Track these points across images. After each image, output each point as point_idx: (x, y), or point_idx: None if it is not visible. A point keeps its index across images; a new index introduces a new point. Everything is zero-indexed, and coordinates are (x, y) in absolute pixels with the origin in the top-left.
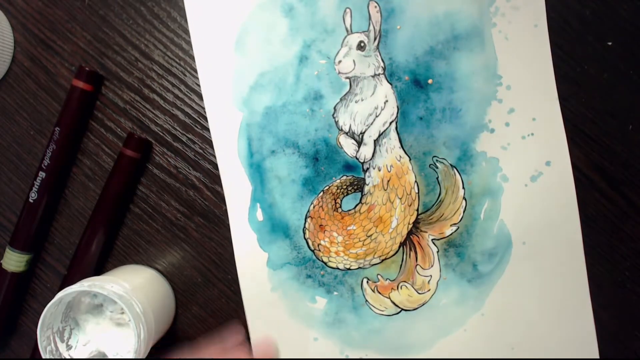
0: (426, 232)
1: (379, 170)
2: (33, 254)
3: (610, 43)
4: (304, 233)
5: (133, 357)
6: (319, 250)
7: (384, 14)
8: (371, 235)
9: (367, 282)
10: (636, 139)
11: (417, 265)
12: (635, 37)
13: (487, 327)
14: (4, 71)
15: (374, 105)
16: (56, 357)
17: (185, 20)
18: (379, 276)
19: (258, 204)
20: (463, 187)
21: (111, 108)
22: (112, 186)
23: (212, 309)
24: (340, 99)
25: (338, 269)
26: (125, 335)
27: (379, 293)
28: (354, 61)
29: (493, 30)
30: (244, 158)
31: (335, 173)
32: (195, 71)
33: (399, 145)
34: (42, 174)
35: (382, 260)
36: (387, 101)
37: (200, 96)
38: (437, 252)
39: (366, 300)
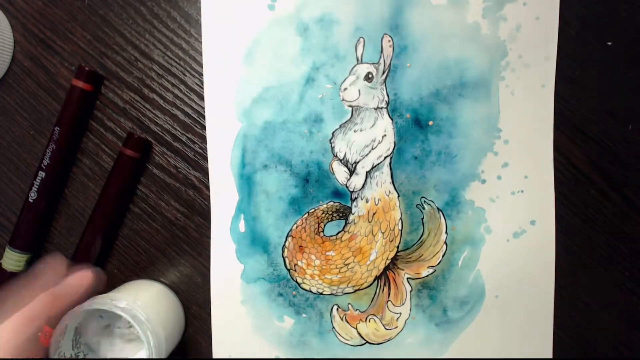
0: (403, 270)
1: (367, 201)
2: (33, 254)
3: (610, 43)
4: (283, 251)
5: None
6: (295, 271)
7: (396, 49)
8: (348, 264)
9: (337, 309)
10: (636, 139)
11: (388, 300)
12: (635, 37)
13: None
14: (3, 71)
15: (372, 138)
16: None
17: (186, 20)
18: (350, 305)
19: (242, 215)
20: (446, 232)
21: (111, 108)
22: (112, 186)
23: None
24: (340, 126)
25: (311, 291)
26: (139, 349)
27: (347, 322)
28: (359, 91)
29: (500, 84)
30: (235, 168)
31: (323, 197)
32: (195, 71)
33: (390, 180)
34: (42, 174)
35: (355, 291)
36: (385, 135)
37: (200, 96)
38: (411, 291)
39: (333, 327)
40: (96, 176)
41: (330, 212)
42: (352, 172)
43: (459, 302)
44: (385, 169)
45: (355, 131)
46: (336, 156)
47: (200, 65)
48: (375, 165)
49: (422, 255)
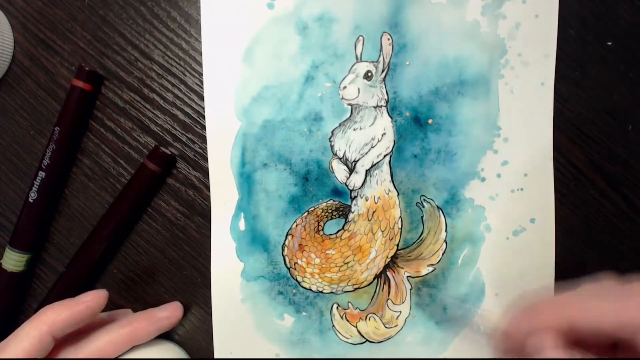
0: (403, 268)
1: (366, 200)
2: (33, 254)
3: (610, 43)
4: (283, 249)
5: None
6: (295, 269)
7: (395, 47)
8: (348, 262)
9: (337, 307)
10: (636, 139)
11: (388, 299)
12: (635, 37)
13: None
14: (3, 71)
15: (372, 136)
16: None
17: (186, 20)
18: (350, 304)
19: (242, 214)
20: (446, 230)
21: (111, 108)
22: (128, 197)
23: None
24: (339, 124)
25: (310, 290)
26: None
27: (347, 321)
28: (358, 89)
29: (500, 82)
30: (235, 166)
31: (322, 196)
32: (195, 71)
33: (390, 179)
34: (42, 174)
35: (355, 289)
36: (384, 134)
37: (200, 96)
38: (411, 289)
39: (333, 325)
40: (96, 176)
41: (330, 211)
42: (351, 170)
43: (459, 300)
44: (385, 168)
45: (354, 129)
46: (336, 154)
47: (201, 65)
48: (375, 164)
49: (422, 253)
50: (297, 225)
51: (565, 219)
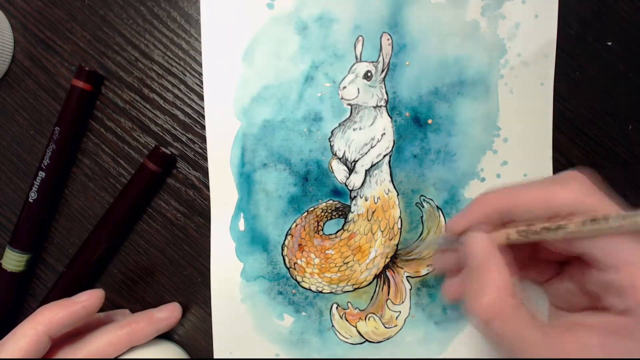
0: (402, 268)
1: (366, 200)
2: (33, 254)
3: (610, 43)
4: (282, 249)
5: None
6: (295, 269)
7: (395, 47)
8: (348, 262)
9: (337, 307)
10: (636, 139)
11: (388, 299)
12: (635, 37)
13: None
14: (3, 71)
15: (371, 136)
16: None
17: (186, 20)
18: (349, 304)
19: (242, 214)
20: (445, 230)
21: (111, 108)
22: (127, 197)
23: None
24: (339, 124)
25: (310, 290)
26: None
27: (347, 321)
28: (358, 89)
29: (499, 82)
30: (235, 166)
31: (322, 196)
32: (195, 71)
33: (389, 179)
34: (42, 174)
35: (355, 289)
36: (384, 134)
37: (200, 96)
38: (410, 289)
39: (332, 326)
40: (96, 176)
41: (329, 211)
42: (351, 170)
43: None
44: (385, 168)
45: (354, 130)
46: (335, 155)
47: (200, 65)
48: (375, 164)
49: (422, 253)
50: (296, 225)
51: None
